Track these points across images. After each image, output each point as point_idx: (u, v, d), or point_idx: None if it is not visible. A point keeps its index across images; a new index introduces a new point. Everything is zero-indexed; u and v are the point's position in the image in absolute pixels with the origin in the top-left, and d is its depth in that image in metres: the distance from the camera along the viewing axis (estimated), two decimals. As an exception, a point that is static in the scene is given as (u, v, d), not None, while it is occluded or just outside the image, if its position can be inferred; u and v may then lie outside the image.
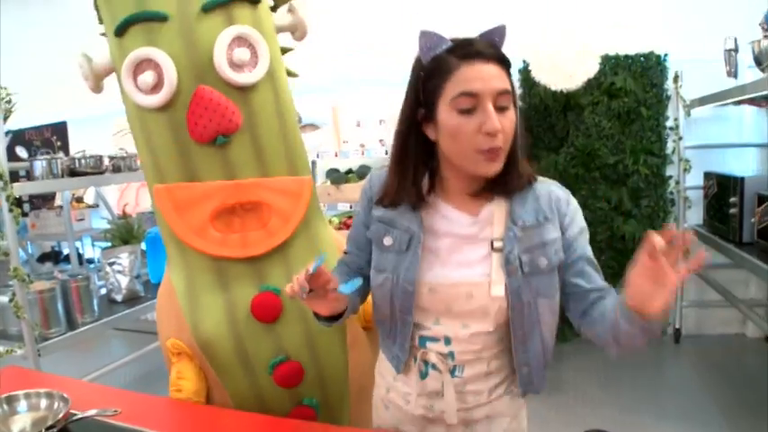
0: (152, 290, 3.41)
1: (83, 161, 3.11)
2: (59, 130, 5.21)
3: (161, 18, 1.55)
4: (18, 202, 2.60)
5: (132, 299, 3.31)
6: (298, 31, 1.85)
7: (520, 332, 1.24)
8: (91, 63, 1.72)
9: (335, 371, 1.79)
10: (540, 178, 1.29)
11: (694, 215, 4.01)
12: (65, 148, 4.98)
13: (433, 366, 1.28)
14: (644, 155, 3.93)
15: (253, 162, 1.66)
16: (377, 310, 1.36)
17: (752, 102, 3.56)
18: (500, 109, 1.13)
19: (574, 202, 1.29)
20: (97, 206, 5.33)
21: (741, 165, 3.90)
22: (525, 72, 3.89)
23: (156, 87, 1.57)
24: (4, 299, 2.65)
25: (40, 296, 2.70)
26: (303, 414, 1.75)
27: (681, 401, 3.16)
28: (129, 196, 5.38)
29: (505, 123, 1.13)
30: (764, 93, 2.86)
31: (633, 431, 2.88)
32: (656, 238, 1.00)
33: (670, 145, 3.99)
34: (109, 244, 3.33)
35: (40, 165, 2.91)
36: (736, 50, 3.37)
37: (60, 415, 1.31)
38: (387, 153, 4.17)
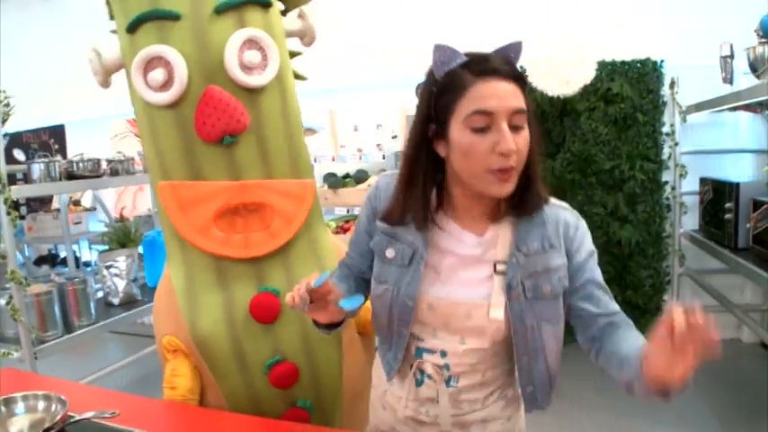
0: (149, 293, 3.41)
1: (80, 164, 3.11)
2: (57, 133, 5.22)
3: (174, 17, 1.57)
4: (15, 205, 2.60)
5: (129, 302, 3.31)
6: (307, 36, 1.88)
7: (524, 357, 1.22)
8: (101, 58, 1.73)
9: (330, 373, 1.80)
10: (551, 200, 1.25)
11: (690, 220, 4.02)
12: (62, 151, 4.99)
13: (429, 376, 1.28)
14: (640, 160, 3.94)
15: (258, 163, 1.68)
16: (375, 319, 1.35)
17: (747, 108, 3.58)
18: (514, 128, 1.10)
19: (582, 226, 1.25)
20: (94, 209, 5.33)
21: (737, 170, 3.91)
22: (522, 77, 3.89)
23: (166, 85, 1.58)
24: (1, 302, 2.66)
25: (36, 299, 2.70)
26: (297, 416, 1.75)
27: (676, 406, 3.13)
28: (126, 199, 5.38)
29: (520, 143, 1.10)
30: (760, 99, 2.88)
31: (629, 436, 2.89)
32: (679, 317, 0.92)
33: (666, 150, 4.00)
34: (106, 247, 3.33)
35: (37, 168, 2.91)
36: (731, 57, 3.39)
37: (58, 417, 1.32)
38: (384, 158, 4.19)
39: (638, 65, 3.92)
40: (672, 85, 3.93)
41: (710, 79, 3.55)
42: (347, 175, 4.37)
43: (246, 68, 1.61)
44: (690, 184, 3.95)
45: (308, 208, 1.77)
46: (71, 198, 5.31)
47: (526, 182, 1.17)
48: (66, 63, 5.37)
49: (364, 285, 1.41)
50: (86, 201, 5.51)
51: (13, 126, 3.24)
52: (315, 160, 4.22)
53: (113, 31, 1.73)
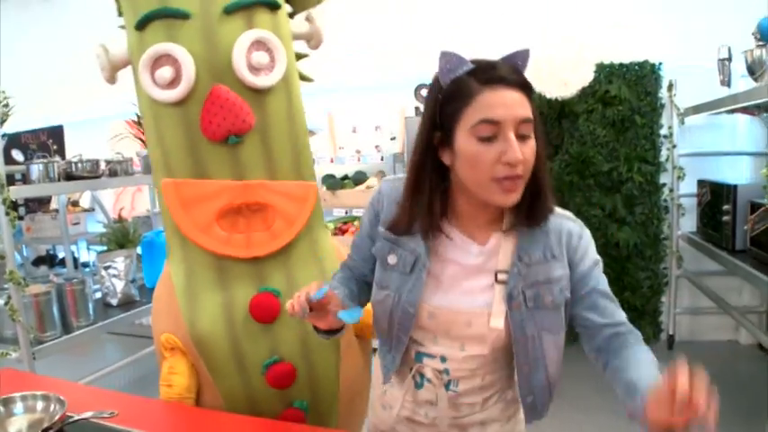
0: (147, 294, 3.41)
1: (79, 165, 3.11)
2: (56, 133, 5.22)
3: (183, 16, 1.57)
4: (14, 206, 2.60)
5: (127, 303, 3.31)
6: (313, 39, 1.89)
7: (525, 366, 1.22)
8: (108, 54, 1.73)
9: (327, 375, 1.80)
10: (556, 209, 1.23)
11: (688, 222, 4.03)
12: (61, 151, 4.99)
13: (428, 380, 1.28)
14: (638, 162, 3.95)
15: (261, 164, 1.68)
16: (376, 322, 1.34)
17: (745, 110, 3.58)
18: (521, 137, 1.08)
19: (586, 235, 1.24)
20: (93, 210, 5.33)
21: (734, 173, 3.92)
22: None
23: (173, 83, 1.59)
24: (0, 302, 2.65)
25: (35, 299, 2.70)
26: (293, 416, 1.75)
27: (674, 408, 3.15)
28: (124, 200, 5.38)
29: (526, 152, 1.08)
30: (757, 102, 2.89)
31: (626, 437, 2.88)
32: (682, 381, 0.90)
33: (664, 153, 4.01)
34: (104, 248, 3.33)
35: (36, 168, 2.91)
36: (729, 60, 3.40)
37: (56, 417, 1.31)
38: (382, 159, 4.19)
39: (637, 67, 3.93)
40: (670, 87, 3.93)
41: (708, 82, 3.57)
42: (345, 177, 4.37)
43: (254, 69, 1.62)
44: (688, 187, 3.96)
45: (309, 210, 1.77)
46: (69, 199, 5.31)
47: (536, 192, 1.16)
48: (65, 64, 5.40)
49: (366, 288, 1.40)
50: (85, 201, 5.51)
51: (11, 126, 3.24)
52: (313, 162, 4.22)
53: (122, 27, 1.73)
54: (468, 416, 1.30)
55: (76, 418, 1.35)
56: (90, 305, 3.01)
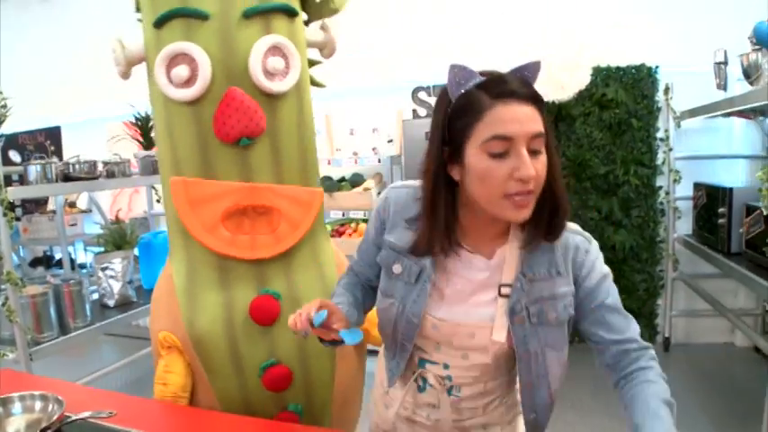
0: (144, 295, 3.41)
1: (77, 166, 3.10)
2: (53, 134, 5.22)
3: (202, 16, 1.59)
4: (11, 207, 2.60)
5: (124, 304, 3.31)
6: (327, 48, 1.91)
7: (528, 384, 1.21)
8: (124, 49, 1.74)
9: (322, 379, 1.81)
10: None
11: (684, 225, 4.04)
12: (58, 152, 4.99)
13: (431, 385, 1.29)
14: (634, 165, 3.97)
15: (270, 167, 1.70)
16: (381, 328, 1.34)
17: (741, 114, 3.60)
18: (533, 152, 1.05)
19: (594, 249, 1.21)
20: (90, 211, 5.32)
21: (730, 176, 3.94)
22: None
23: (189, 82, 1.60)
24: (-3, 303, 2.65)
25: (32, 300, 2.69)
26: (287, 420, 1.76)
27: (670, 410, 3.17)
28: (122, 202, 5.38)
29: (538, 168, 1.05)
30: (753, 105, 2.90)
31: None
32: None
33: (660, 156, 4.03)
34: (102, 249, 3.33)
35: (34, 169, 2.91)
36: (725, 63, 3.41)
37: (55, 417, 1.32)
38: (379, 161, 4.19)
39: (633, 71, 3.95)
40: (666, 90, 3.95)
41: (705, 85, 3.58)
42: (343, 179, 4.38)
43: (269, 74, 1.64)
44: (684, 190, 3.97)
45: (314, 215, 1.79)
46: (67, 200, 5.30)
47: (554, 207, 1.13)
48: (63, 65, 5.40)
49: (371, 293, 1.41)
50: (82, 203, 5.50)
51: (9, 127, 3.24)
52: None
53: (139, 20, 1.75)
54: (469, 419, 1.31)
55: (74, 417, 1.35)
56: (87, 306, 3.02)
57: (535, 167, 1.04)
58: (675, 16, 3.88)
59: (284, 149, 1.71)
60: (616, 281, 1.22)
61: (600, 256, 1.22)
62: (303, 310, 1.17)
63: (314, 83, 1.90)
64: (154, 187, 4.53)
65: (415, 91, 4.17)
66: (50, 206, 5.17)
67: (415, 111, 4.16)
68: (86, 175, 3.13)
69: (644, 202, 4.02)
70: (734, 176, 3.95)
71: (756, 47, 2.91)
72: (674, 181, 3.97)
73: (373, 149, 4.38)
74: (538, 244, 1.17)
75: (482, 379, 1.26)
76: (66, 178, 3.08)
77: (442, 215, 1.16)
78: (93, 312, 3.10)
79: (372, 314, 1.42)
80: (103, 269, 3.25)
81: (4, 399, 1.40)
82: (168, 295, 1.75)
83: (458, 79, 1.07)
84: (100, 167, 3.25)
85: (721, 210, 3.33)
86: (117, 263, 3.24)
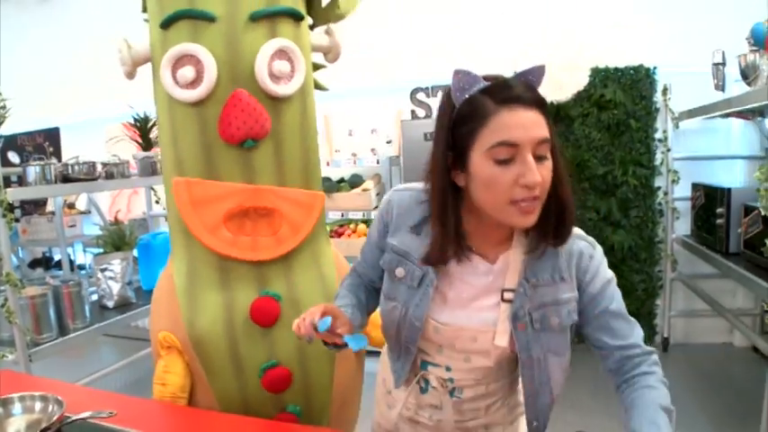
0: (143, 296, 3.42)
1: (76, 167, 3.11)
2: (52, 135, 5.21)
3: (209, 18, 1.59)
4: (10, 208, 2.60)
5: (123, 305, 3.31)
6: (331, 53, 1.93)
7: (531, 391, 1.21)
8: (130, 49, 1.74)
9: (321, 381, 1.82)
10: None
11: (682, 226, 4.05)
12: (57, 153, 4.98)
13: (433, 387, 1.29)
14: (633, 166, 3.97)
15: (272, 170, 1.70)
16: (384, 330, 1.34)
17: (739, 114, 3.60)
18: (538, 158, 1.04)
19: (598, 254, 1.21)
20: (89, 212, 5.32)
21: (728, 176, 3.95)
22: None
23: (194, 83, 1.61)
24: (-4, 304, 2.65)
25: (31, 301, 2.70)
26: (286, 421, 1.76)
27: (668, 410, 3.17)
28: (120, 203, 5.38)
29: (544, 174, 1.04)
30: (751, 106, 2.90)
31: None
32: None
33: (659, 156, 4.03)
34: (101, 250, 3.33)
35: (33, 170, 2.91)
36: (723, 64, 3.42)
37: (55, 417, 1.31)
38: (378, 162, 4.20)
39: (631, 71, 3.95)
40: (664, 91, 3.95)
41: (703, 86, 3.59)
42: (342, 180, 4.38)
43: (275, 77, 1.65)
44: (682, 190, 3.98)
45: (315, 218, 1.80)
46: (66, 201, 5.30)
47: (561, 213, 1.12)
48: (62, 66, 5.40)
49: (375, 294, 1.41)
50: (81, 204, 5.50)
51: (7, 128, 3.24)
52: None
53: (146, 20, 1.76)
54: (471, 420, 1.31)
55: (74, 418, 1.35)
56: (86, 307, 3.02)
57: (541, 173, 1.03)
58: (673, 17, 3.89)
59: (287, 152, 1.72)
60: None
61: (604, 261, 1.22)
62: (307, 316, 1.16)
63: (317, 86, 1.92)
64: (153, 188, 4.53)
65: (414, 92, 4.17)
66: (49, 207, 5.16)
67: (413, 111, 4.16)
68: (85, 176, 3.14)
69: (642, 202, 4.03)
70: (732, 177, 3.95)
71: (754, 48, 2.92)
72: (673, 181, 3.98)
73: (372, 150, 4.38)
74: (543, 250, 1.16)
75: (484, 381, 1.27)
76: (65, 179, 3.08)
77: (453, 222, 1.15)
78: (93, 313, 3.11)
79: (374, 316, 1.42)
80: (102, 270, 3.25)
81: (4, 399, 1.40)
82: (169, 295, 1.75)
83: (462, 84, 1.06)
84: (99, 169, 3.25)
85: (719, 210, 3.34)
86: (116, 264, 3.24)
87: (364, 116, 4.46)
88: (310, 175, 1.82)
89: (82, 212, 5.33)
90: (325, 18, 1.90)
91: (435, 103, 4.09)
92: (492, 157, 1.04)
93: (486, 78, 1.07)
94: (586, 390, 3.25)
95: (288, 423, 1.63)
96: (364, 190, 4.16)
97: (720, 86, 3.46)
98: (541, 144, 1.04)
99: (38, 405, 1.40)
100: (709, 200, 3.54)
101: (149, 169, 3.59)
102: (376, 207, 4.18)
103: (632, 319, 1.21)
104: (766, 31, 2.79)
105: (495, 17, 4.22)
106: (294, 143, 1.74)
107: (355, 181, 4.31)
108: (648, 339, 4.09)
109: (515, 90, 1.04)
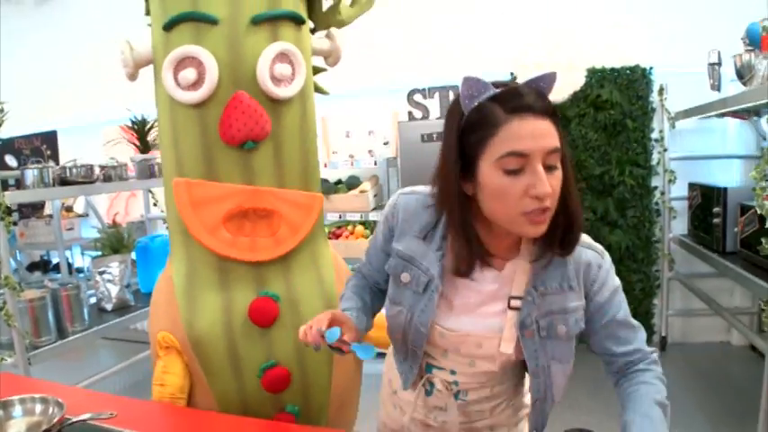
0: (142, 299, 3.41)
1: (74, 170, 3.10)
2: (49, 138, 5.19)
3: (212, 21, 1.61)
4: (8, 211, 2.60)
5: (122, 308, 3.30)
6: (332, 57, 1.94)
7: (538, 399, 1.21)
8: (133, 51, 1.75)
9: (320, 381, 1.82)
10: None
11: (679, 225, 4.06)
12: (54, 156, 4.97)
13: (438, 390, 1.29)
14: (630, 166, 3.98)
15: (272, 171, 1.71)
16: (390, 333, 1.33)
17: (735, 114, 3.61)
18: (548, 168, 1.02)
19: (606, 263, 1.20)
20: (87, 215, 5.31)
21: (725, 176, 3.96)
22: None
23: (195, 85, 1.62)
24: (-5, 307, 2.65)
25: (30, 305, 2.69)
26: (284, 421, 1.76)
27: (667, 409, 3.18)
28: (118, 205, 5.38)
29: (554, 184, 1.02)
30: (746, 106, 2.91)
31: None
32: None
33: (655, 156, 4.04)
34: (99, 253, 3.32)
35: (31, 173, 2.90)
36: (719, 64, 3.43)
37: (55, 419, 1.32)
38: (375, 164, 4.20)
39: (628, 72, 3.96)
40: (661, 91, 3.97)
41: (698, 86, 3.60)
42: (339, 181, 4.39)
43: (276, 80, 1.66)
44: (679, 190, 3.99)
45: (314, 219, 1.81)
46: (63, 204, 5.29)
47: (568, 222, 1.11)
48: (60, 69, 5.39)
49: (380, 295, 1.41)
50: (79, 207, 5.49)
51: (5, 132, 3.24)
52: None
53: (149, 24, 1.77)
54: (477, 421, 1.32)
55: (75, 419, 1.35)
56: (85, 310, 3.01)
57: (551, 183, 1.01)
58: (669, 17, 3.90)
59: (287, 154, 1.74)
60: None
61: (612, 270, 1.22)
62: (314, 323, 1.16)
63: (318, 90, 1.94)
64: (151, 191, 4.53)
65: (411, 93, 4.17)
66: (47, 210, 5.15)
67: (410, 113, 4.17)
68: (83, 179, 3.13)
69: (639, 202, 4.04)
70: (728, 176, 3.97)
71: (749, 48, 2.93)
72: (669, 181, 3.99)
73: (369, 152, 4.38)
74: (551, 258, 1.16)
75: (488, 384, 1.27)
76: (63, 182, 3.08)
77: (473, 232, 1.13)
78: (91, 316, 3.10)
79: (378, 317, 1.43)
80: (101, 273, 3.25)
81: (4, 402, 1.40)
82: (167, 296, 1.76)
83: (471, 92, 1.04)
84: (97, 171, 3.25)
85: (716, 209, 3.35)
86: (114, 267, 3.24)
87: (361, 118, 4.46)
88: (309, 176, 1.83)
89: (80, 215, 5.32)
90: (326, 23, 1.92)
91: (432, 104, 4.10)
92: (501, 167, 1.02)
93: (495, 85, 1.05)
94: (586, 390, 3.25)
95: (287, 423, 1.63)
96: (362, 191, 4.16)
97: (716, 86, 3.48)
98: (552, 154, 1.02)
99: (38, 407, 1.41)
100: (706, 199, 3.55)
101: (147, 172, 3.59)
102: (374, 209, 4.18)
103: (636, 323, 1.23)
104: (761, 31, 2.80)
105: (492, 18, 4.23)
106: (294, 145, 1.75)
107: (353, 182, 4.32)
108: (646, 339, 4.09)
109: (526, 99, 1.02)
